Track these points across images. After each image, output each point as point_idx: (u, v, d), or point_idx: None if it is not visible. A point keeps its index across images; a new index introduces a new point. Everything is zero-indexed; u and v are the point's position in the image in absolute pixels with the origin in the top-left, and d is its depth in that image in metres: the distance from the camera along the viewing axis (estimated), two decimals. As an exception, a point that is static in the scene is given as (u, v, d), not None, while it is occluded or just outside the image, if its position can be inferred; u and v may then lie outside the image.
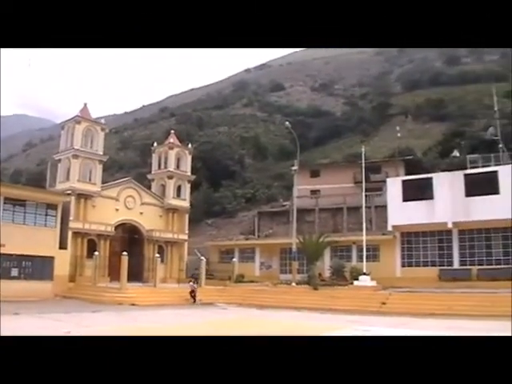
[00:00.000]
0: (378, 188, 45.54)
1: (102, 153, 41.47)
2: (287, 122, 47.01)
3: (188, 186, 48.34)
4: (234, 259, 44.02)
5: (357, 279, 34.98)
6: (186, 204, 47.61)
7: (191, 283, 35.99)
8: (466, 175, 37.82)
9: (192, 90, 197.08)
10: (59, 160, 41.06)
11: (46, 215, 35.29)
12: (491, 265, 36.47)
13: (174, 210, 46.50)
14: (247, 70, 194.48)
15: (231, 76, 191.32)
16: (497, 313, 24.22)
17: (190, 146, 49.90)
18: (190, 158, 49.17)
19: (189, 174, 48.62)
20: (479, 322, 22.45)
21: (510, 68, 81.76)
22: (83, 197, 39.48)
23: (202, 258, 41.12)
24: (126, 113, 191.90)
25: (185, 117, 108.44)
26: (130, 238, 43.48)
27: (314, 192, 53.58)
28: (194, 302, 34.47)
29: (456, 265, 37.81)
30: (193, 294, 34.88)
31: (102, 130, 42.07)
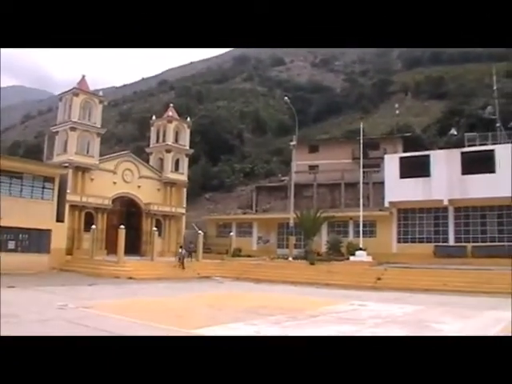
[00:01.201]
0: (376, 164, 45.56)
1: (99, 125, 41.36)
2: (286, 97, 46.92)
3: (186, 159, 48.28)
4: (231, 233, 44.12)
5: (353, 254, 35.18)
6: (183, 178, 47.62)
7: (180, 250, 36.78)
8: (462, 153, 37.95)
9: (192, 63, 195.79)
10: (57, 132, 40.99)
11: (43, 188, 35.11)
12: (486, 242, 36.82)
13: (171, 183, 46.52)
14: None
15: (232, 50, 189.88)
16: (491, 289, 24.54)
17: (188, 119, 49.71)
18: (188, 131, 49.04)
19: (187, 147, 48.53)
20: (473, 298, 22.72)
21: (511, 48, 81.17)
22: (81, 170, 39.45)
23: (200, 231, 41.25)
24: (124, 85, 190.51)
25: (184, 90, 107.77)
26: (127, 211, 43.59)
27: (312, 167, 53.60)
28: (183, 268, 35.14)
29: (451, 242, 38.13)
30: (181, 261, 35.54)
31: (101, 102, 41.90)
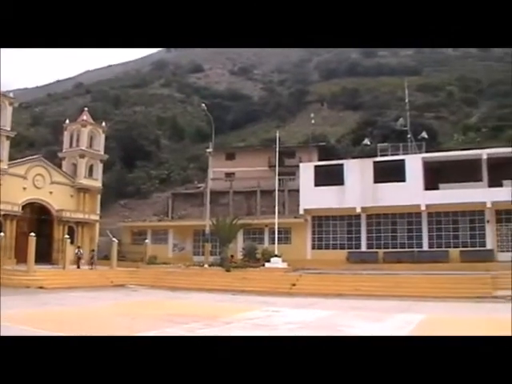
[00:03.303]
0: (292, 172, 46.27)
1: (9, 128, 39.69)
2: (203, 104, 46.85)
3: (101, 165, 47.28)
4: (146, 240, 43.49)
5: (268, 261, 35.52)
6: (98, 184, 46.61)
7: (76, 250, 37.31)
8: (375, 163, 39.24)
9: (110, 66, 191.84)
10: (-39, 135, 39.14)
11: None
12: (396, 248, 38.22)
13: (85, 189, 45.39)
14: (167, 50, 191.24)
15: (150, 55, 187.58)
16: (401, 293, 25.53)
17: (104, 124, 48.73)
18: (103, 136, 48.04)
19: (102, 153, 47.52)
20: (384, 301, 23.47)
21: (424, 63, 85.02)
22: (-12, 174, 37.84)
23: (114, 239, 40.48)
24: (37, 87, 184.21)
25: (101, 94, 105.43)
26: (38, 218, 42.05)
27: (228, 175, 53.80)
28: (78, 267, 35.99)
29: (364, 248, 39.26)
30: (79, 260, 36.40)
31: (10, 104, 40.29)
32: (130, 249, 45.03)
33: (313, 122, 65.64)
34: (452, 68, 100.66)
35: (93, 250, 39.58)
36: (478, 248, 36.39)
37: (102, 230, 47.52)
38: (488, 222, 36.61)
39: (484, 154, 36.95)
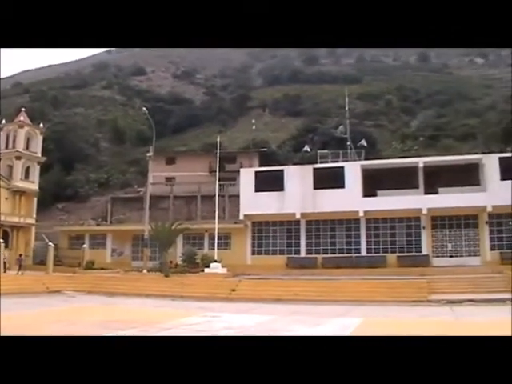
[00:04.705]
0: (233, 178, 46.30)
1: (40, 155, 38.45)
2: (145, 108, 46.39)
3: (38, 167, 46.18)
4: (84, 245, 42.64)
5: (208, 266, 35.34)
6: (34, 187, 45.49)
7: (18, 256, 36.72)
8: (315, 169, 39.67)
9: (50, 66, 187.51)
10: None
11: None
12: (335, 253, 38.72)
13: (21, 192, 44.23)
14: (108, 51, 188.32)
15: (92, 56, 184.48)
16: (339, 298, 25.79)
17: (41, 125, 47.57)
18: (41, 138, 46.95)
19: (39, 155, 46.41)
20: (322, 306, 23.64)
21: (364, 72, 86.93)
22: None
23: (51, 243, 39.43)
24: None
25: (40, 94, 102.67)
26: (-30, 221, 40.71)
27: (169, 179, 53.33)
28: (5, 271, 34.87)
29: (303, 253, 39.58)
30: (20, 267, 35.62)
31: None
32: (67, 253, 44.03)
33: (254, 127, 66.23)
34: (391, 78, 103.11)
35: (21, 255, 38.21)
36: (414, 253, 37.32)
37: (38, 234, 46.38)
38: (424, 228, 37.54)
39: (421, 162, 37.93)
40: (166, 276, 34.47)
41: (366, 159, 43.63)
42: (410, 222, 38.15)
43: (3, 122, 46.95)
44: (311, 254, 39.37)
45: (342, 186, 38.01)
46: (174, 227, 38.77)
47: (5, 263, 35.79)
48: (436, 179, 37.49)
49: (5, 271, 35.08)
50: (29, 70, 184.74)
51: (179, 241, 41.74)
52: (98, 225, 49.80)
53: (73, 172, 65.70)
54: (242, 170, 43.98)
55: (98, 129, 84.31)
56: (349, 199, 37.00)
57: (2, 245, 35.95)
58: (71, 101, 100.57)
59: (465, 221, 37.37)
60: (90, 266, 40.13)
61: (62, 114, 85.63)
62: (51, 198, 57.23)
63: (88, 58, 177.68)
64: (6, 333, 13.58)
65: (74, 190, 61.52)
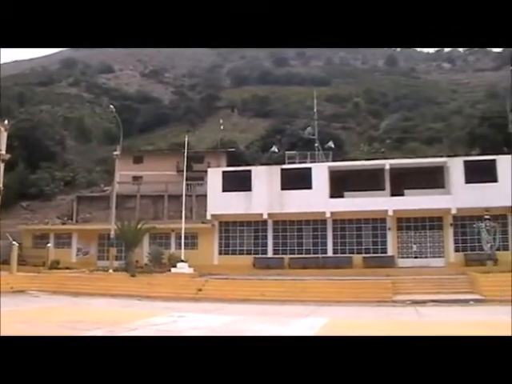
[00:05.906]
0: (200, 177, 46.22)
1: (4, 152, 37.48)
2: (112, 106, 45.96)
3: (2, 165, 45.16)
4: (48, 244, 41.97)
5: (175, 266, 35.15)
6: (-3, 185, 44.56)
7: None
8: (282, 170, 39.75)
9: (15, 61, 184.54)
10: None
11: None
12: (301, 254, 38.88)
13: (-17, 190, 43.30)
14: (76, 48, 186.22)
15: (59, 52, 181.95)
16: (305, 298, 25.96)
17: (6, 122, 46.64)
18: (5, 135, 45.90)
19: (3, 152, 45.41)
20: (289, 306, 23.77)
21: (333, 74, 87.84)
22: None
23: (14, 242, 38.71)
24: None
25: (4, 90, 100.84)
26: None
27: (136, 178, 52.96)
28: None
29: (270, 253, 39.61)
30: None
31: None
32: (32, 253, 43.23)
33: (222, 127, 66.34)
34: (359, 80, 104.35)
35: None
36: (379, 254, 37.67)
37: (2, 233, 45.45)
38: (389, 229, 37.98)
39: (387, 164, 38.34)
40: (132, 276, 34.16)
41: (334, 161, 43.98)
42: (375, 223, 38.51)
43: (-35, 118, 46.03)
44: (278, 254, 39.42)
45: (310, 187, 38.19)
46: (140, 227, 38.48)
47: None
48: (402, 181, 37.99)
49: None
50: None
51: (146, 240, 41.39)
52: (63, 224, 49.11)
53: (38, 170, 64.61)
54: (209, 169, 43.87)
55: (65, 126, 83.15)
56: (316, 200, 37.23)
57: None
58: (37, 97, 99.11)
59: (430, 223, 37.89)
60: (55, 265, 39.49)
61: (27, 110, 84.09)
62: (15, 196, 56.26)
63: (55, 54, 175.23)
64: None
65: (39, 188, 60.53)
